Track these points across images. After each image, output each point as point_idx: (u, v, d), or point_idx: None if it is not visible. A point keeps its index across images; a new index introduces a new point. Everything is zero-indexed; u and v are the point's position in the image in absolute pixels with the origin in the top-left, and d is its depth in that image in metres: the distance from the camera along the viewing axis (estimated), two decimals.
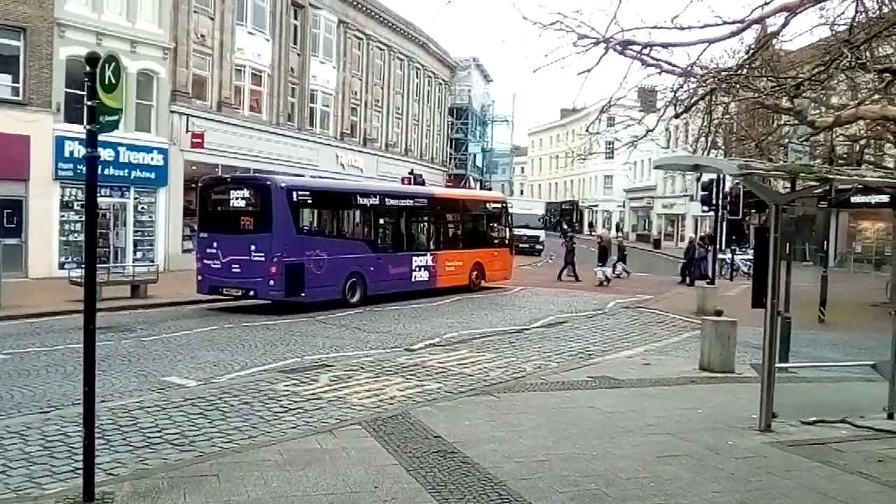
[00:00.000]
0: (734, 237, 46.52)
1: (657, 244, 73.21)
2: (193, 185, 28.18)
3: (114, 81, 6.79)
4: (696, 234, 53.38)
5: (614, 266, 38.28)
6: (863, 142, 26.30)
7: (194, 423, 9.97)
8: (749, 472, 8.18)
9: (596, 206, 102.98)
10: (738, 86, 15.14)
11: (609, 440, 9.27)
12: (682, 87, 14.89)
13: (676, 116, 15.83)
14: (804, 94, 15.05)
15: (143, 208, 32.16)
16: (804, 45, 22.73)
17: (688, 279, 35.47)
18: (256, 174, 30.48)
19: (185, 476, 7.56)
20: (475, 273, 29.40)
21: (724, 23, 12.11)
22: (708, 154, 21.51)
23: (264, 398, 11.37)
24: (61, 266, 27.60)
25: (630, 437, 9.41)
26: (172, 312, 21.40)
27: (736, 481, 7.90)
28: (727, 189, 31.20)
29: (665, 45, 12.62)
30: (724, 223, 36.58)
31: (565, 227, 63.10)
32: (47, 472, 8.05)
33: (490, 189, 72.77)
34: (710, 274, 33.51)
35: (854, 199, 37.66)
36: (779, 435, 9.58)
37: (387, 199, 26.06)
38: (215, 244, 22.22)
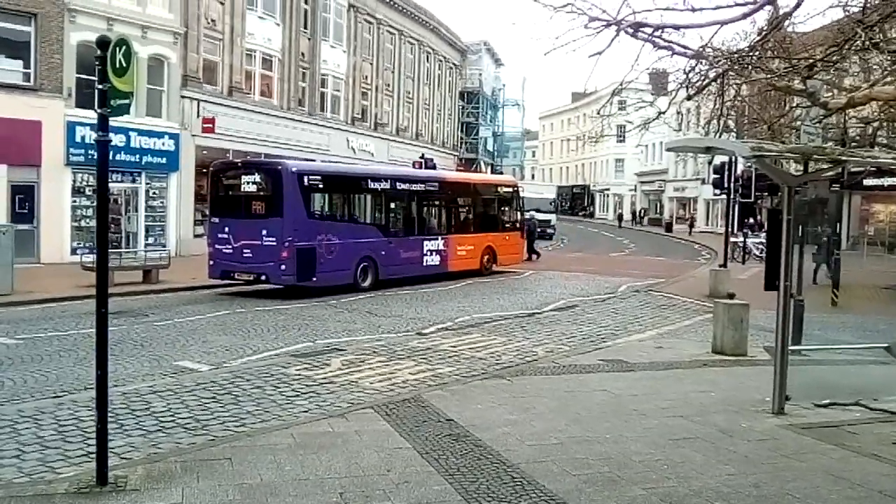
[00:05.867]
0: (746, 220, 46.35)
1: (668, 227, 72.95)
2: (205, 171, 28.18)
3: (125, 65, 6.78)
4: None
5: None
6: (875, 124, 26.14)
7: (207, 407, 10.00)
8: (762, 455, 8.16)
9: (607, 189, 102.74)
10: (750, 67, 15.06)
11: (621, 423, 9.26)
12: (693, 69, 14.82)
13: (688, 99, 15.76)
14: (817, 76, 14.94)
15: (154, 193, 32.21)
16: (817, 26, 22.53)
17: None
18: (267, 159, 30.48)
19: (197, 460, 7.58)
20: (486, 257, 29.38)
21: (737, 4, 12.03)
22: (720, 136, 21.40)
23: (276, 382, 11.39)
24: (73, 251, 27.69)
25: (643, 420, 9.40)
26: (184, 297, 21.45)
27: (749, 464, 7.88)
28: (739, 172, 31.01)
29: (677, 27, 12.56)
30: (736, 206, 36.38)
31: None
32: (61, 456, 8.09)
33: (501, 173, 72.54)
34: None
35: (867, 182, 37.56)
36: (792, 417, 9.56)
37: (398, 184, 26.00)
38: (227, 229, 22.23)
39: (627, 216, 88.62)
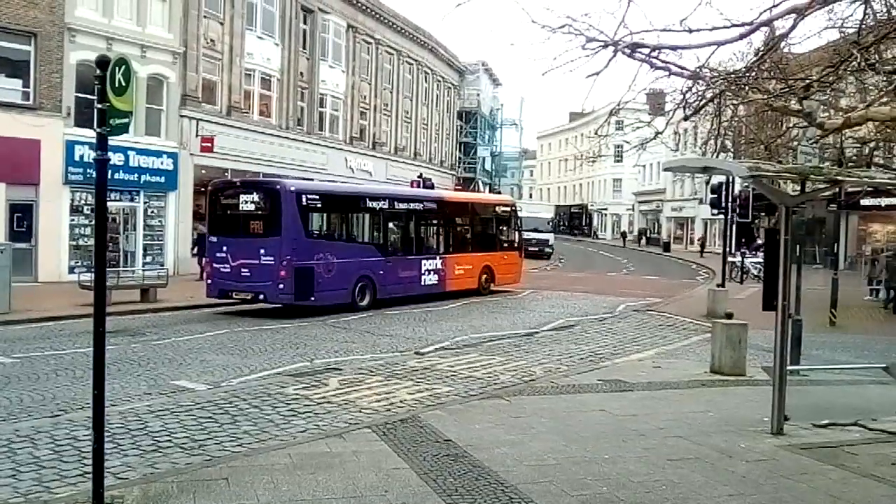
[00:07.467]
0: (743, 240, 46.34)
1: (667, 247, 72.95)
2: (203, 190, 28.23)
3: (124, 84, 6.80)
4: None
5: None
6: (872, 144, 26.20)
7: (204, 426, 9.97)
8: (761, 476, 8.13)
9: (605, 209, 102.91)
10: (746, 88, 15.10)
11: (620, 443, 9.23)
12: (690, 89, 14.85)
13: (685, 119, 15.79)
14: (813, 97, 14.99)
15: (153, 212, 32.21)
16: (813, 47, 22.65)
17: None
18: (266, 178, 30.51)
19: (194, 480, 7.55)
20: (484, 276, 29.36)
21: (733, 25, 12.05)
22: (717, 157, 21.44)
23: (274, 402, 11.36)
24: (71, 270, 27.68)
25: (641, 441, 9.38)
26: (182, 316, 21.42)
27: (748, 485, 7.86)
28: (737, 192, 31.07)
29: (674, 48, 12.58)
30: (734, 226, 36.37)
31: None
32: (57, 476, 8.05)
33: (499, 193, 72.61)
34: None
35: (864, 202, 37.64)
36: (791, 438, 9.54)
37: (396, 203, 26.03)
38: (225, 248, 22.24)
39: (631, 235, 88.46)
